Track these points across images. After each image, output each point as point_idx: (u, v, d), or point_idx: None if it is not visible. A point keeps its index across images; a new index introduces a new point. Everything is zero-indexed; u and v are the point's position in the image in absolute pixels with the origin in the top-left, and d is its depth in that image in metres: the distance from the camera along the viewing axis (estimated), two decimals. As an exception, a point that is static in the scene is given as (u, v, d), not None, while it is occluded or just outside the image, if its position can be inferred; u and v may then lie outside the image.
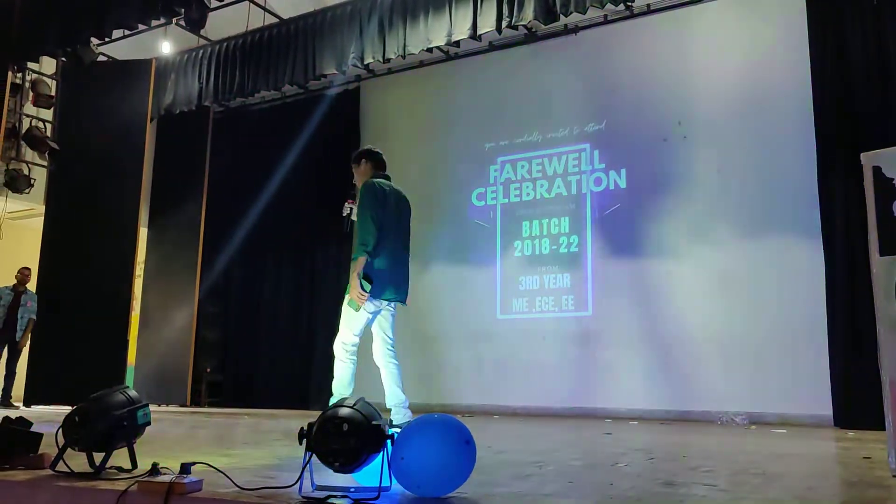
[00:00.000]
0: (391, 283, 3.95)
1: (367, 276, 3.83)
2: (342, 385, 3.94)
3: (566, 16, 6.60)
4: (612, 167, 7.63)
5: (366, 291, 3.80)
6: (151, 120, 8.72)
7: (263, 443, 4.02)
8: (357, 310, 3.85)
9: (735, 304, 6.71)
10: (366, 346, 4.06)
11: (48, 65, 9.12)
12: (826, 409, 5.86)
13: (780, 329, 6.46)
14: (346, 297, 3.92)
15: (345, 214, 4.28)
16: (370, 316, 3.94)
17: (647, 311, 7.10)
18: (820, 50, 6.34)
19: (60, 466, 2.30)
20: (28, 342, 7.92)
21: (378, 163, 4.29)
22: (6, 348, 7.93)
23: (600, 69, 7.80)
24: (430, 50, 7.41)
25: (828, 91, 6.26)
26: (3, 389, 7.85)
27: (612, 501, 1.99)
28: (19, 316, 7.90)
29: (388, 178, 4.29)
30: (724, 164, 6.99)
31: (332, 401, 3.94)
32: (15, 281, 8.04)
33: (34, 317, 7.96)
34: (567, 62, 7.98)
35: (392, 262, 3.99)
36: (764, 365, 6.44)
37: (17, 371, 7.93)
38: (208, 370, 9.38)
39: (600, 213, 7.60)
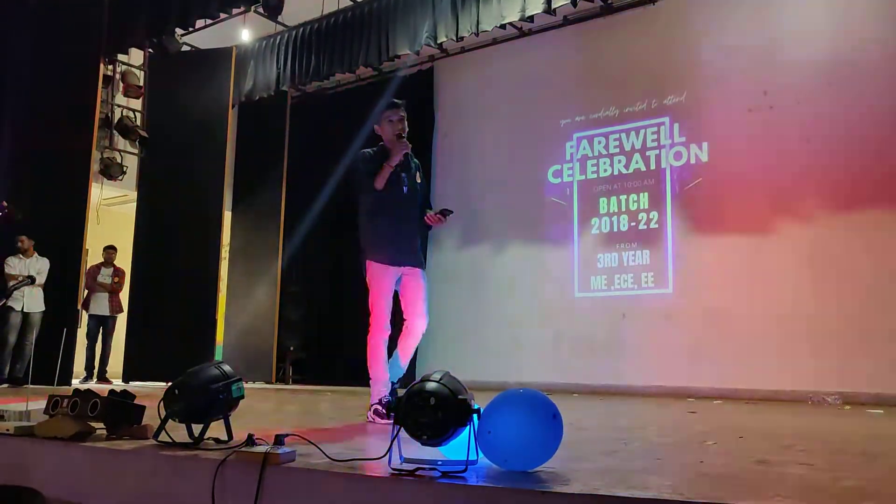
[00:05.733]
0: None
1: None
2: None
3: (644, -16, 6.41)
4: (692, 140, 7.39)
5: None
6: (233, 106, 8.98)
7: (349, 418, 4.12)
8: None
9: (826, 280, 6.42)
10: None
11: (136, 57, 9.50)
12: (927, 389, 5.57)
13: (874, 307, 6.15)
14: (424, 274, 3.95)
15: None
16: None
17: (730, 288, 6.88)
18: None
19: (162, 437, 2.40)
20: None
21: None
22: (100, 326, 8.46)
23: (680, 39, 7.54)
24: (503, 27, 7.34)
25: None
26: (99, 365, 8.37)
27: (705, 479, 1.95)
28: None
29: None
30: (814, 134, 6.66)
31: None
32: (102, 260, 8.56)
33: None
34: (644, 34, 7.75)
35: None
36: (858, 343, 6.16)
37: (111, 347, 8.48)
38: (292, 348, 9.66)
39: (681, 188, 7.39)
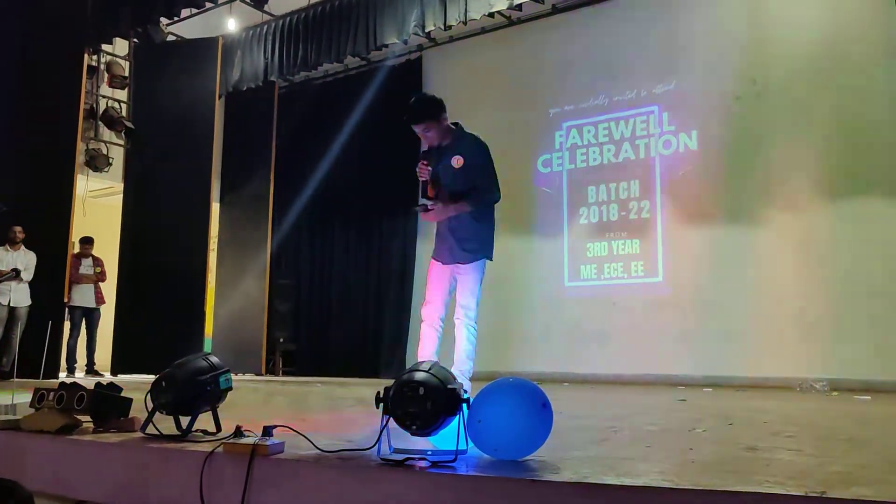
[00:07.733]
0: None
1: (488, 237, 3.81)
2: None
3: (633, -28, 6.38)
4: (682, 129, 7.40)
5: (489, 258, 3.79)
6: (220, 97, 8.89)
7: (338, 409, 4.11)
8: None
9: (814, 268, 6.46)
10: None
11: (121, 47, 9.37)
12: (914, 375, 5.62)
13: (862, 294, 6.19)
14: (474, 262, 3.74)
15: (425, 179, 3.74)
16: None
17: (720, 276, 6.91)
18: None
19: (150, 429, 2.38)
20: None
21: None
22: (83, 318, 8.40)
23: (669, 27, 7.54)
24: (491, 15, 7.30)
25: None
26: (87, 358, 8.31)
27: (693, 466, 1.95)
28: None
29: None
30: (803, 121, 6.68)
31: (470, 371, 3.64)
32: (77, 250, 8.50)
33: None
34: (634, 22, 7.73)
35: None
36: (846, 331, 6.20)
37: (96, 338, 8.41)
38: (281, 340, 9.63)
39: (670, 177, 7.40)
